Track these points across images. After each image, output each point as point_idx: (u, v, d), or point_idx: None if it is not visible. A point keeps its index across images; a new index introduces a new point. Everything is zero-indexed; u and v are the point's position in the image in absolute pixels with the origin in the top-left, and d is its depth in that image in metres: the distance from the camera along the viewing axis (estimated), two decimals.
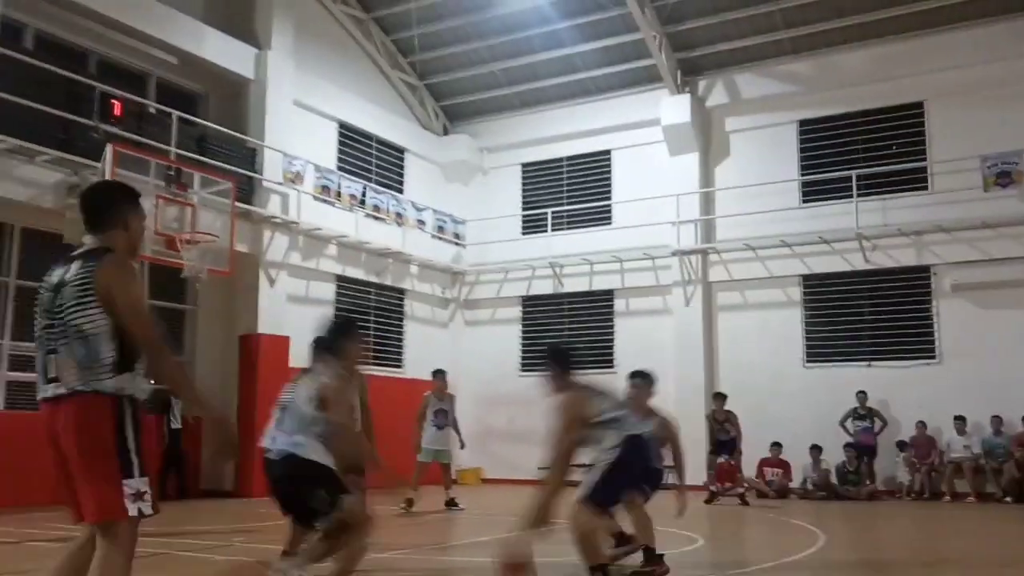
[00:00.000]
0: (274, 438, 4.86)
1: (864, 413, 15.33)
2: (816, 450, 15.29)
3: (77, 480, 3.26)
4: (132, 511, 3.21)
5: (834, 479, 15.14)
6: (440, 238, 19.17)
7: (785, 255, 16.76)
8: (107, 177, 11.33)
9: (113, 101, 12.42)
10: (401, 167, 19.37)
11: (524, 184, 20.14)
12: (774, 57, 17.65)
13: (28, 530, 8.99)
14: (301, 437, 4.77)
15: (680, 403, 16.94)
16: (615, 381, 18.38)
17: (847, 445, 15.16)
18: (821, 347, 16.57)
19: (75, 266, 3.37)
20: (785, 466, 15.46)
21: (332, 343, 5.19)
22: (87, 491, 3.22)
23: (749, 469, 15.61)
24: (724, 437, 14.58)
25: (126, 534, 3.23)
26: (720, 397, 14.97)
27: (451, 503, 12.18)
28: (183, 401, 3.19)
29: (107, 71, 13.76)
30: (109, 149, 11.52)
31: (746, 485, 14.57)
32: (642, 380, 7.67)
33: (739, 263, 17.25)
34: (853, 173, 16.15)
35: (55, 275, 3.43)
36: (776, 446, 15.55)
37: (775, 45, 17.50)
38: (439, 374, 12.68)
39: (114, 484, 3.20)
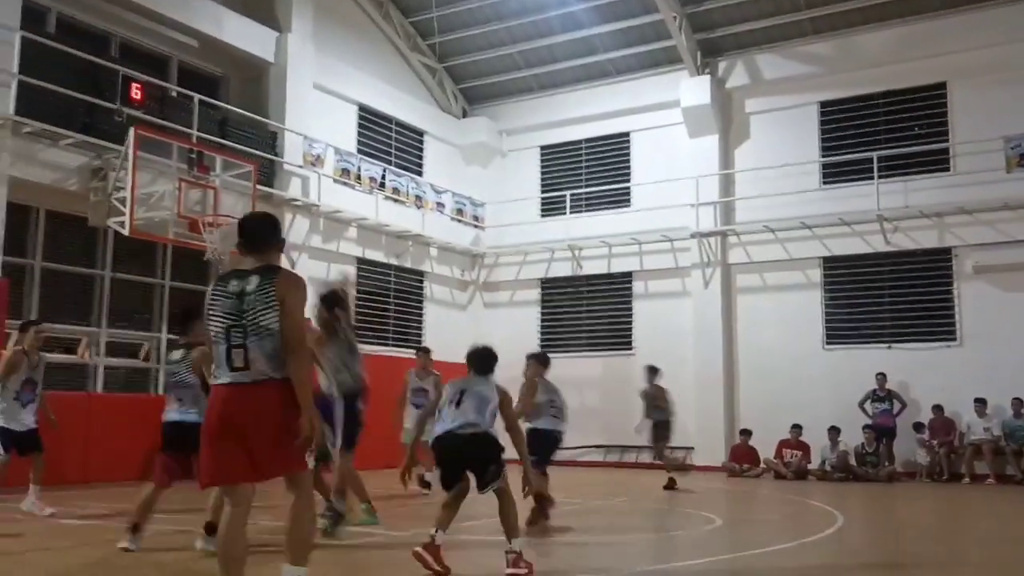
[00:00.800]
0: (455, 419, 5.76)
1: (883, 395, 15.29)
2: (835, 432, 15.28)
3: (264, 446, 4.05)
4: (310, 464, 4.23)
5: (853, 461, 15.14)
6: (459, 220, 19.23)
7: (805, 237, 16.70)
8: (129, 160, 11.47)
9: (135, 85, 12.50)
10: (420, 149, 19.41)
11: (543, 166, 20.14)
12: (795, 38, 17.51)
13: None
14: (485, 419, 5.81)
15: (699, 385, 17.06)
16: (634, 363, 18.52)
17: (866, 427, 15.15)
18: (841, 329, 16.52)
19: (255, 279, 4.18)
20: (804, 448, 15.47)
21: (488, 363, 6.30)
22: (278, 453, 4.08)
23: (768, 450, 15.67)
24: (659, 417, 13.07)
25: (307, 480, 4.29)
26: (652, 371, 13.46)
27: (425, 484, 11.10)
28: (302, 396, 3.64)
29: (129, 55, 13.87)
30: (132, 133, 11.62)
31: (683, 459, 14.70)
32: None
33: (758, 245, 17.20)
34: (874, 155, 16.04)
35: (233, 285, 4.21)
36: (795, 428, 15.56)
37: (796, 26, 17.35)
38: (421, 352, 12.22)
39: (295, 448, 4.09)
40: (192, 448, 5.22)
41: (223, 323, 4.17)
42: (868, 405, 15.35)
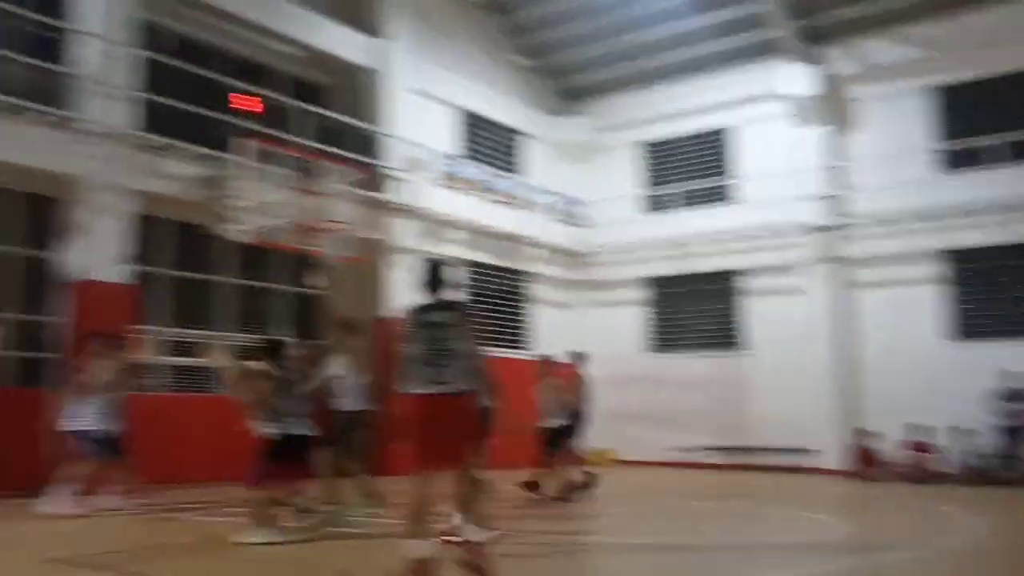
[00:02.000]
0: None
1: (1017, 393, 14.49)
2: (963, 432, 14.58)
3: (460, 441, 5.36)
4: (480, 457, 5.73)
5: (983, 462, 14.41)
6: (562, 220, 19.16)
7: (924, 228, 15.98)
8: (246, 170, 11.85)
9: (249, 97, 12.93)
10: (521, 150, 19.44)
11: (645, 162, 19.89)
12: (905, 21, 16.79)
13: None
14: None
15: (815, 386, 16.54)
16: (745, 363, 18.14)
17: (998, 427, 14.39)
18: (968, 324, 15.74)
19: (448, 313, 5.36)
20: (931, 449, 14.82)
21: None
22: (466, 447, 5.45)
23: (892, 452, 15.08)
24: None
25: (478, 464, 5.83)
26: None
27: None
28: (484, 399, 5.19)
29: (243, 69, 14.32)
30: (247, 144, 12.00)
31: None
32: None
33: (874, 239, 16.56)
34: (1002, 140, 15.22)
35: (433, 316, 5.35)
36: (920, 428, 14.93)
37: (906, 9, 16.63)
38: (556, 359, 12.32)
39: (478, 442, 5.70)
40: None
41: (424, 346, 5.28)
42: (1000, 403, 14.57)
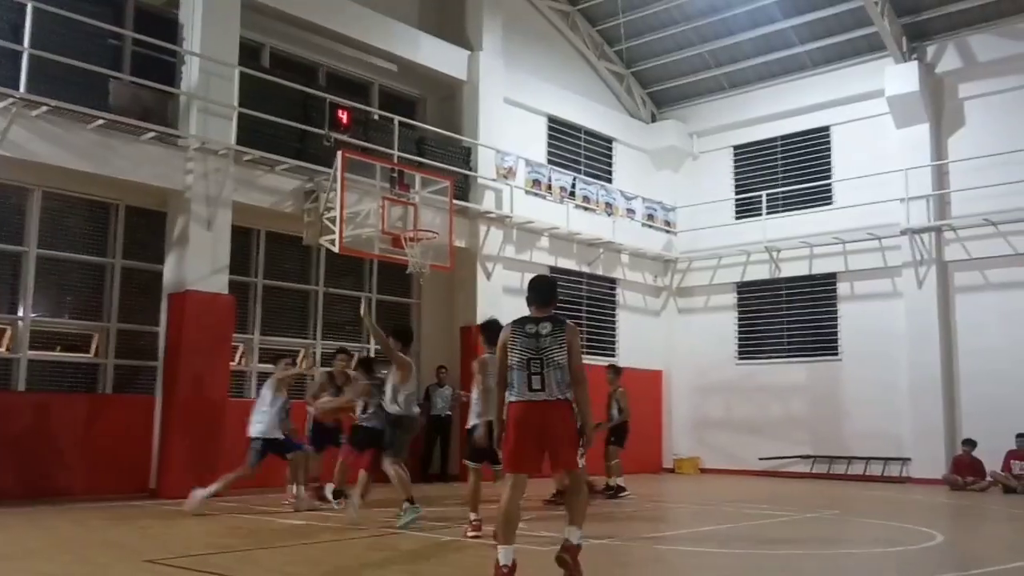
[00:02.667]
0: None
1: None
2: None
3: (555, 448, 5.48)
4: (581, 464, 5.65)
5: None
6: (650, 226, 19.05)
7: None
8: (338, 181, 12.22)
9: (341, 110, 13.31)
10: (610, 157, 19.42)
11: (736, 167, 19.60)
12: (1012, 15, 16.08)
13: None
14: None
15: (914, 392, 16.02)
16: (840, 369, 17.69)
17: None
18: None
19: (548, 325, 5.58)
20: None
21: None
22: (569, 453, 5.51)
23: (994, 462, 14.44)
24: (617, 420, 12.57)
25: (583, 474, 5.84)
26: (614, 370, 13.14)
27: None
28: (584, 413, 5.08)
29: (335, 82, 14.77)
30: (339, 156, 12.37)
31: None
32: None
33: (978, 240, 15.89)
34: None
35: (530, 327, 5.59)
36: (1023, 437, 14.25)
37: (1014, 2, 15.94)
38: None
39: (577, 450, 5.56)
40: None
41: (524, 356, 5.50)
42: None
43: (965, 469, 14.73)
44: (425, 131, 15.29)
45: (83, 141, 10.85)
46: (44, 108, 10.38)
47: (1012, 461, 14.34)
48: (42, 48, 10.49)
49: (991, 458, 14.51)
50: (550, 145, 17.94)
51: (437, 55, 15.70)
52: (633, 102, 20.18)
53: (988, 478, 14.44)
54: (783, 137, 18.86)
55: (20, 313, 11.11)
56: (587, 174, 18.29)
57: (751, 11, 17.85)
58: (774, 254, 18.14)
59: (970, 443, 14.85)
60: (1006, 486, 14.06)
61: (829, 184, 18.02)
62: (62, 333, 11.60)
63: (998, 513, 11.56)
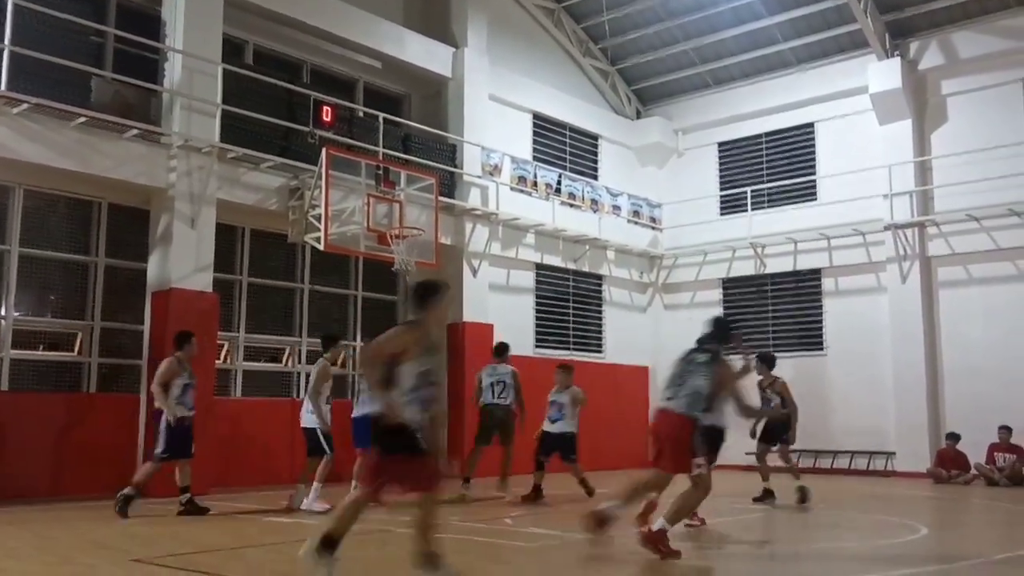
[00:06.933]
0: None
1: None
2: None
3: (673, 454, 6.60)
4: (694, 471, 6.61)
5: None
6: (636, 222, 19.10)
7: (1015, 224, 15.39)
8: (323, 179, 12.16)
9: (325, 108, 13.27)
10: (595, 153, 19.44)
11: (721, 163, 19.66)
12: (994, 12, 16.20)
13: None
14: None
15: (898, 387, 16.14)
16: (825, 364, 17.78)
17: None
18: None
19: (704, 355, 6.90)
20: (1018, 451, 14.25)
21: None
22: (683, 461, 6.58)
23: (978, 455, 14.56)
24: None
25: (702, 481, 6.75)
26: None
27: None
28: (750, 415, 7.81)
29: (319, 80, 14.71)
30: (324, 153, 12.32)
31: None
32: None
33: (961, 235, 16.01)
34: None
35: (693, 355, 6.96)
36: (1006, 430, 14.38)
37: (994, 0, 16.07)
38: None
39: (691, 457, 6.58)
40: None
41: (673, 372, 6.99)
42: None
43: (949, 462, 14.84)
44: (410, 128, 15.26)
45: (65, 139, 10.76)
46: (25, 105, 10.28)
47: (995, 454, 14.46)
48: (23, 45, 10.39)
49: (975, 451, 14.63)
50: (535, 142, 17.93)
51: (422, 52, 15.67)
52: (618, 99, 20.21)
53: (972, 471, 14.56)
54: (767, 134, 18.93)
55: (2, 312, 11.01)
56: (572, 171, 18.30)
57: (735, 8, 17.90)
58: (759, 250, 18.22)
59: (954, 437, 14.97)
60: (989, 479, 14.17)
61: (813, 180, 18.10)
62: (45, 332, 11.49)
63: (982, 506, 11.65)
